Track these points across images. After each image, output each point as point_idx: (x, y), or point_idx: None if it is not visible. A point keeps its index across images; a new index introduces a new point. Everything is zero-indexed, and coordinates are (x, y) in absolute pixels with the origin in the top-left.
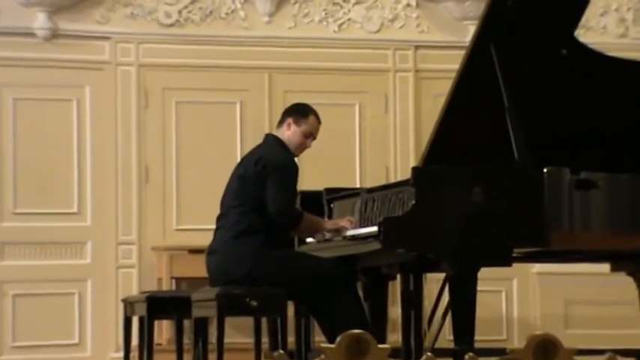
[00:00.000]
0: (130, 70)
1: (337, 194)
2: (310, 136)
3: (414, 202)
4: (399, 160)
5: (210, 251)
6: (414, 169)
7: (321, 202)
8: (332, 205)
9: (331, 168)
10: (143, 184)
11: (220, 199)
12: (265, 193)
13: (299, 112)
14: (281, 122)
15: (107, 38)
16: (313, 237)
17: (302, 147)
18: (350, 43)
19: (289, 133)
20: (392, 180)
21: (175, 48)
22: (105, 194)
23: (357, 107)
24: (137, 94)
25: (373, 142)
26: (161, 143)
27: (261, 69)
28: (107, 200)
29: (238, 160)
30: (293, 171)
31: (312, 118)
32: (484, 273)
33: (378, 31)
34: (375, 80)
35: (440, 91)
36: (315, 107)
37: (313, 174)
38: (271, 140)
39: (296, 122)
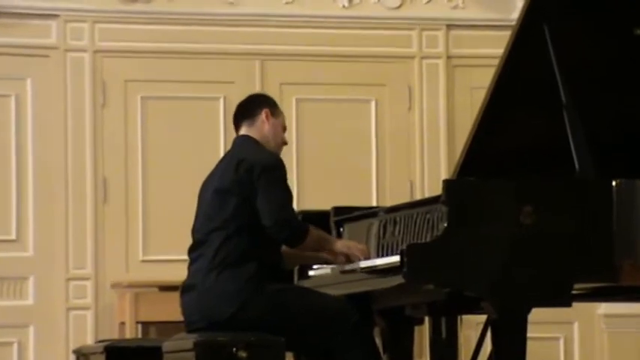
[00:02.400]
0: (83, 57)
1: (348, 214)
2: (285, 130)
3: (445, 224)
4: (427, 171)
5: (186, 288)
6: (446, 183)
7: (327, 224)
8: (342, 229)
9: (341, 181)
10: (100, 203)
11: (192, 226)
12: (254, 204)
13: (271, 102)
14: (251, 116)
15: (54, 16)
16: (318, 262)
17: (283, 143)
18: (364, 23)
19: (268, 127)
20: (417, 196)
21: (141, 29)
22: (52, 216)
23: (373, 104)
24: (92, 87)
25: (394, 148)
26: (123, 151)
27: (250, 55)
28: (54, 224)
29: None
30: (285, 171)
31: (280, 109)
32: (537, 315)
33: (399, 7)
34: (396, 69)
35: (478, 83)
36: (320, 103)
37: (318, 189)
38: (245, 141)
39: (273, 114)
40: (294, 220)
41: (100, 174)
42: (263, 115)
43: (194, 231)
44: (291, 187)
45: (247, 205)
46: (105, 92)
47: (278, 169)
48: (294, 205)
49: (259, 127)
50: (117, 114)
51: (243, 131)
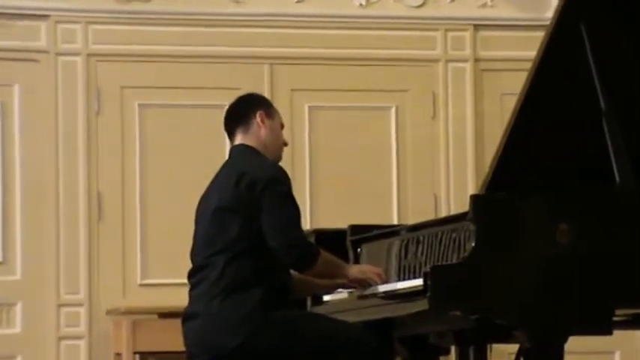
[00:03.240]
0: (76, 62)
1: (367, 233)
2: (283, 128)
3: (473, 243)
4: (453, 185)
5: (188, 316)
6: (474, 198)
7: (343, 244)
8: (359, 249)
9: (358, 197)
10: (94, 220)
11: (190, 249)
12: (258, 223)
13: (264, 102)
14: (245, 121)
15: (44, 17)
16: (332, 290)
17: (283, 146)
18: (383, 23)
19: (265, 131)
20: (443, 213)
21: (138, 31)
22: (41, 236)
23: (393, 111)
24: (86, 94)
25: (417, 160)
26: (119, 163)
27: (258, 59)
28: (44, 245)
29: None
30: (290, 185)
31: (274, 107)
32: (574, 344)
33: (422, 5)
34: (419, 74)
35: (508, 89)
36: (336, 111)
37: (333, 205)
38: (242, 151)
39: (268, 115)
40: (304, 242)
41: (94, 189)
42: (257, 118)
43: (193, 254)
44: (304, 203)
45: (251, 224)
46: (99, 99)
47: (283, 184)
48: (308, 223)
49: (255, 133)
50: (112, 123)
51: (238, 139)
